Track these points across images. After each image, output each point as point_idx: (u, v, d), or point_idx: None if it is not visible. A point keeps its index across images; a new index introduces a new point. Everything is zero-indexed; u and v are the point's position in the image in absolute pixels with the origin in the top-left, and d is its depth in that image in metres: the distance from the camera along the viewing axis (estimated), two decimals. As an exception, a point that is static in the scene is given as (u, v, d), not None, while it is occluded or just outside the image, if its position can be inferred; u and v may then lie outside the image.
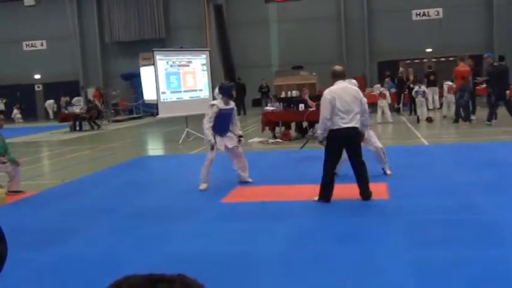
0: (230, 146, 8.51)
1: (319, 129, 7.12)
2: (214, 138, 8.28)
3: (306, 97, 15.06)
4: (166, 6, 31.86)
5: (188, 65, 16.03)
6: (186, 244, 5.65)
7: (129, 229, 6.33)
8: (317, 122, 14.31)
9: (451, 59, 25.07)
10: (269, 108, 15.25)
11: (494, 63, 16.29)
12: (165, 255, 5.23)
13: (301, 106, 14.53)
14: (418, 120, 17.38)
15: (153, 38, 30.94)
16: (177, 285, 0.81)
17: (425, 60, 28.24)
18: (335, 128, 6.82)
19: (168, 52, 16.50)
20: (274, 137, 14.85)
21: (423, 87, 18.62)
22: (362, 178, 6.99)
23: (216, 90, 25.51)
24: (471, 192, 7.13)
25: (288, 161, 10.78)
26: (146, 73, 23.99)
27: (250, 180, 8.70)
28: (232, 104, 8.54)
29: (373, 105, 20.26)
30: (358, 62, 29.17)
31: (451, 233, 5.43)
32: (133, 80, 29.63)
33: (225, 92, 8.39)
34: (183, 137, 15.37)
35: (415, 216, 6.16)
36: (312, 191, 7.74)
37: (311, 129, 14.94)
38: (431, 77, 21.09)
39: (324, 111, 6.84)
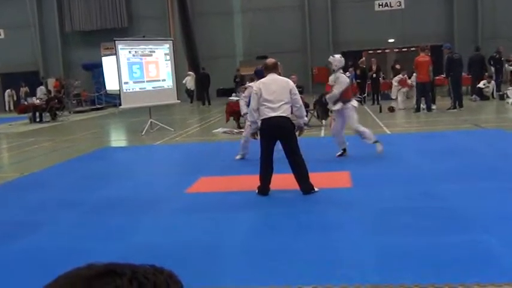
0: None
1: (248, 121, 7.08)
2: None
3: None
4: (128, -5, 31.34)
5: (151, 55, 15.81)
6: (151, 235, 5.60)
7: (93, 221, 6.24)
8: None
9: (412, 49, 25.52)
10: (233, 98, 15.18)
11: (454, 54, 16.76)
12: (130, 247, 5.17)
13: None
14: (381, 110, 17.60)
15: (115, 27, 30.38)
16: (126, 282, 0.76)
17: (387, 50, 28.63)
18: (263, 117, 6.81)
19: (131, 42, 16.22)
20: (239, 127, 14.82)
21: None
22: (298, 173, 6.83)
23: (185, 79, 25.40)
24: (434, 180, 7.26)
25: (252, 152, 10.76)
26: (108, 63, 23.58)
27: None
28: None
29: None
30: (322, 52, 29.21)
31: (414, 221, 5.51)
32: (95, 70, 29.07)
33: (258, 74, 8.94)
34: (146, 127, 15.19)
35: (378, 204, 6.23)
36: (276, 180, 7.76)
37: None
38: (397, 66, 21.51)
39: (252, 102, 7.00)
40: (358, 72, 21.21)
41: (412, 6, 28.05)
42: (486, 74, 19.50)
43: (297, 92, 7.02)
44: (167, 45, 16.28)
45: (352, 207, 6.15)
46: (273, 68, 7.11)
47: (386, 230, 5.29)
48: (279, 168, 8.56)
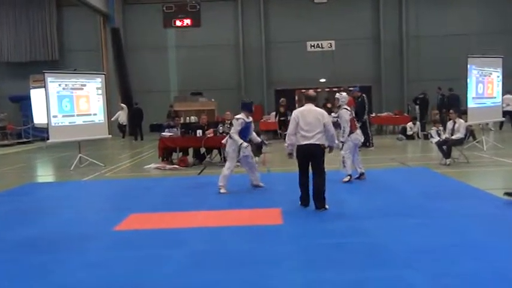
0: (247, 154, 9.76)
1: (286, 143, 8.13)
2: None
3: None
4: (60, 27, 30.69)
5: (82, 89, 15.52)
6: (74, 274, 5.37)
7: (13, 258, 5.95)
8: (214, 148, 14.54)
9: (342, 89, 26.41)
10: (166, 133, 15.07)
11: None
12: (51, 287, 4.94)
13: (199, 132, 14.52)
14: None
15: (46, 59, 29.66)
16: None
17: (319, 90, 29.48)
18: (298, 144, 7.85)
19: (61, 74, 15.85)
20: (172, 163, 14.68)
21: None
22: (314, 191, 7.82)
23: (116, 114, 24.97)
24: (361, 217, 7.43)
25: (185, 188, 10.68)
26: (37, 96, 22.91)
27: (262, 184, 9.93)
28: (251, 118, 9.93)
29: (268, 132, 20.86)
30: (256, 90, 29.79)
31: (342, 256, 5.62)
32: (23, 102, 28.10)
33: (246, 108, 9.83)
34: (75, 162, 14.77)
35: (308, 240, 6.31)
36: (208, 217, 7.73)
37: (209, 156, 14.95)
38: (328, 105, 22.13)
39: (290, 127, 8.01)
40: (281, 110, 21.77)
41: (342, 48, 29.15)
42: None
43: (330, 124, 8.01)
44: (99, 79, 16.04)
45: (282, 243, 6.19)
46: (311, 99, 8.15)
47: (315, 265, 5.34)
48: (212, 204, 8.54)
